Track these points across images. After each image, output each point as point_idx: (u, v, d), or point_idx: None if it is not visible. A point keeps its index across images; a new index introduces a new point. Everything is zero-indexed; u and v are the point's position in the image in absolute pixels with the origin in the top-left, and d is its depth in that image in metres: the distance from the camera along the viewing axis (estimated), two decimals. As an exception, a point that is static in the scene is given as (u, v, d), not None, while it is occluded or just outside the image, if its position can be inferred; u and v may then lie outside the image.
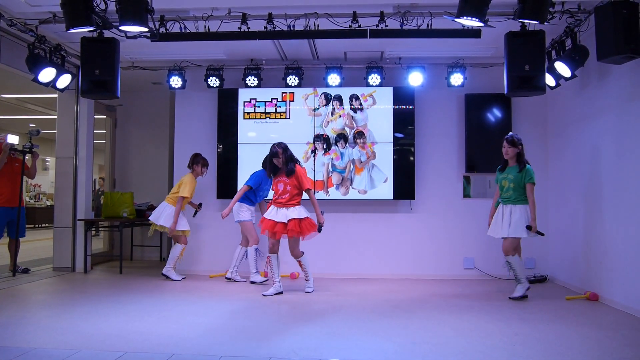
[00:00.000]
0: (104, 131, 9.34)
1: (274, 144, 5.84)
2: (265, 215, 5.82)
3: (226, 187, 7.16)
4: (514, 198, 5.65)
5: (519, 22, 4.88)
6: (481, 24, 4.52)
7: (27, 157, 7.33)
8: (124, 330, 4.24)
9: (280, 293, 5.81)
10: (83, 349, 3.71)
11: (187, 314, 4.89)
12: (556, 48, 5.81)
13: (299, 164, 5.91)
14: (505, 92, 5.25)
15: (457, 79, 6.80)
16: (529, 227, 5.55)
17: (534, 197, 5.60)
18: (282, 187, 5.76)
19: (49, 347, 3.75)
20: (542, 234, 5.63)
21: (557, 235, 6.75)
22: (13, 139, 7.12)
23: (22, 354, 3.57)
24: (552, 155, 6.97)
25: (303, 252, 5.96)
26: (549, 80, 5.84)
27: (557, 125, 6.79)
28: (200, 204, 6.99)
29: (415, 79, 6.84)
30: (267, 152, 5.92)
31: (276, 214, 5.72)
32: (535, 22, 4.56)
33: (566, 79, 5.69)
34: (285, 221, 5.66)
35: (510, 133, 5.94)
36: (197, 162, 6.83)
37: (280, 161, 5.78)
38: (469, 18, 4.45)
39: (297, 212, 5.72)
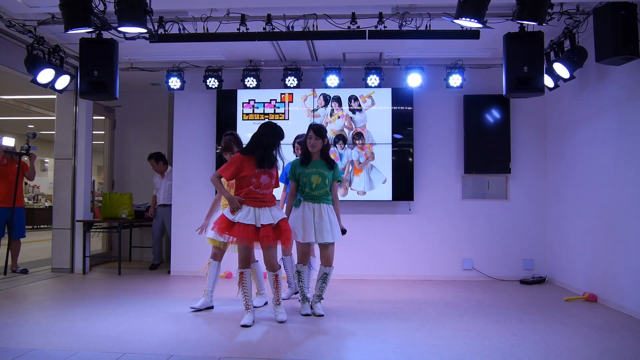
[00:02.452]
0: (103, 132, 9.34)
1: (271, 123, 4.76)
2: (237, 219, 4.52)
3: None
4: (326, 196, 4.98)
5: (518, 23, 4.89)
6: (480, 25, 4.53)
7: (25, 159, 7.33)
8: (122, 332, 4.24)
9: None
10: (81, 350, 3.71)
11: (186, 315, 4.89)
12: (555, 49, 5.82)
13: None
14: (504, 93, 5.26)
15: (455, 80, 6.81)
16: (344, 231, 5.03)
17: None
18: (266, 179, 4.63)
19: (48, 349, 3.76)
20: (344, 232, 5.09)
21: (556, 236, 6.76)
22: (8, 141, 7.12)
23: (20, 355, 3.58)
24: (550, 156, 6.98)
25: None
26: (548, 81, 5.85)
27: (556, 126, 6.80)
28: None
29: (414, 80, 6.85)
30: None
31: (255, 215, 4.54)
32: (534, 23, 4.56)
33: (565, 80, 5.70)
34: (275, 223, 4.57)
35: (317, 123, 5.29)
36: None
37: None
38: (468, 19, 4.45)
39: (281, 212, 4.75)
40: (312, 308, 4.93)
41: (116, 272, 7.49)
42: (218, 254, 5.14)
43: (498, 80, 5.79)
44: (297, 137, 5.76)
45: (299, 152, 5.49)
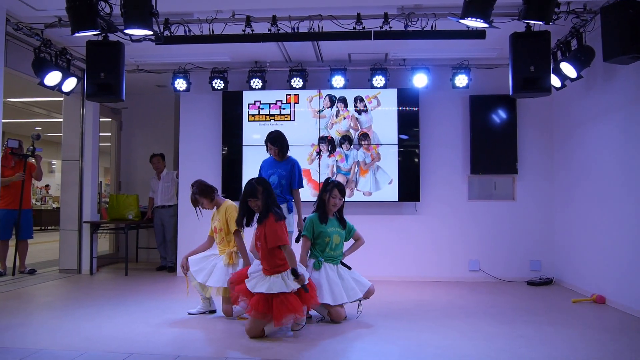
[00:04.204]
0: (109, 134, 9.38)
1: (252, 180, 4.40)
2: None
3: (231, 189, 7.16)
4: (340, 256, 4.92)
5: (524, 22, 4.87)
6: (486, 25, 4.51)
7: (32, 160, 7.37)
8: (129, 332, 4.26)
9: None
10: (88, 351, 3.73)
11: (192, 316, 4.90)
12: (562, 49, 5.80)
13: (273, 210, 4.28)
14: (510, 93, 5.24)
15: (461, 80, 6.79)
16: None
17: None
18: (255, 239, 4.44)
19: (55, 349, 3.78)
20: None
21: (564, 237, 6.73)
22: (12, 143, 7.16)
23: (28, 356, 3.60)
24: (557, 157, 6.94)
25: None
26: (555, 81, 5.82)
27: (563, 126, 6.77)
28: None
29: (419, 80, 6.84)
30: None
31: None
32: (541, 22, 4.54)
33: (572, 80, 5.67)
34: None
35: (340, 182, 4.99)
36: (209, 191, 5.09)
37: (259, 203, 4.29)
38: (474, 19, 4.44)
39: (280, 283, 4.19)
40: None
41: (123, 272, 7.52)
42: (229, 310, 4.82)
43: (504, 80, 5.77)
44: (269, 134, 5.31)
45: (272, 151, 5.25)
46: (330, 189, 4.82)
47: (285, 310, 4.04)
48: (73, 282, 6.85)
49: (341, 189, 4.84)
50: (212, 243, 5.06)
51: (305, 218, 5.00)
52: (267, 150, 5.31)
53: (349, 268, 4.91)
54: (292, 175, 5.26)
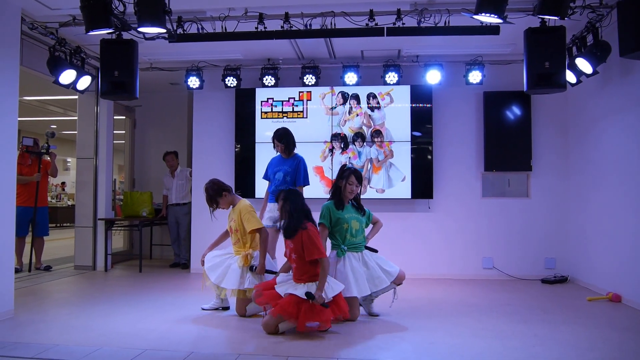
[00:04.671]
0: (123, 132, 9.46)
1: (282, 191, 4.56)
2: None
3: (244, 186, 7.19)
4: (364, 242, 4.87)
5: (539, 18, 4.82)
6: (500, 21, 4.48)
7: (47, 158, 7.46)
8: (143, 328, 4.30)
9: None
10: (103, 346, 3.77)
11: (206, 312, 4.93)
12: (577, 44, 5.73)
13: (308, 219, 4.36)
14: (524, 89, 5.18)
15: (475, 76, 6.75)
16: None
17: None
18: (288, 251, 4.41)
19: (70, 344, 3.83)
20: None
21: (579, 234, 6.67)
22: (27, 141, 7.23)
23: (44, 351, 3.65)
24: (572, 153, 6.88)
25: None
26: (570, 77, 5.76)
27: (578, 122, 6.71)
28: None
29: (433, 77, 6.82)
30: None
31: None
32: (556, 17, 4.50)
33: (587, 76, 5.61)
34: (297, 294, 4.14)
35: (357, 169, 4.96)
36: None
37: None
38: (488, 14, 4.41)
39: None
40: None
41: (137, 269, 7.58)
42: (243, 310, 4.81)
43: (519, 76, 5.72)
44: (276, 131, 5.40)
45: (279, 148, 5.32)
46: (347, 175, 4.77)
47: (311, 317, 4.06)
48: (88, 278, 6.93)
49: (358, 175, 4.80)
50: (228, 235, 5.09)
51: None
52: (274, 147, 5.38)
53: (376, 251, 4.85)
54: (297, 172, 5.31)
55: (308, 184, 5.40)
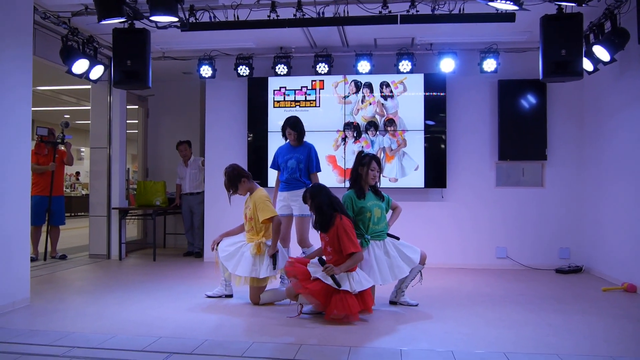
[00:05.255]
0: (136, 121, 9.51)
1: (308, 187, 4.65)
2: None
3: (257, 175, 7.19)
4: (386, 229, 4.84)
5: (555, 4, 4.77)
6: (516, 8, 4.44)
7: (62, 147, 7.53)
8: (157, 317, 4.35)
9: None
10: (118, 334, 3.82)
11: (220, 300, 4.98)
12: (594, 31, 5.66)
13: (338, 208, 4.43)
14: (540, 77, 5.14)
15: (490, 64, 6.69)
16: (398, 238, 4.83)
17: None
18: (323, 243, 4.50)
19: (86, 332, 3.89)
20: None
21: (594, 224, 6.62)
22: (42, 131, 7.30)
23: (60, 338, 3.71)
24: (588, 142, 6.81)
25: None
26: (587, 65, 5.69)
27: (595, 111, 6.63)
28: None
29: (446, 65, 6.76)
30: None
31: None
32: (573, 4, 4.45)
33: (605, 64, 5.54)
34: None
35: (375, 154, 4.92)
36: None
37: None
38: (503, 1, 4.37)
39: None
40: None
41: (151, 258, 7.66)
42: (257, 298, 4.85)
43: (534, 64, 5.66)
44: (287, 120, 5.40)
45: (291, 137, 5.34)
46: (368, 161, 4.72)
47: (340, 308, 4.12)
48: (102, 267, 7.01)
49: (378, 160, 4.78)
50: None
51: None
52: (285, 135, 5.41)
53: (398, 238, 4.84)
54: (310, 159, 5.36)
55: (320, 170, 5.46)
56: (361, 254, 4.31)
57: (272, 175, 7.10)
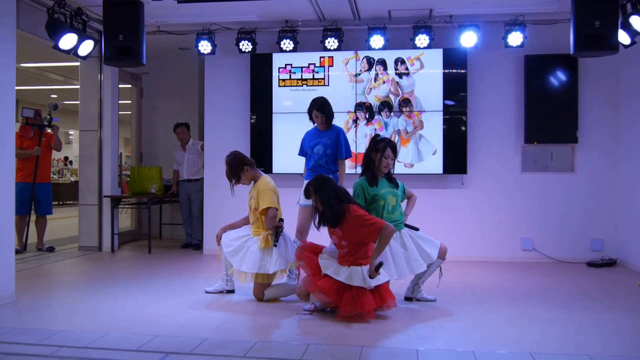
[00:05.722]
0: (129, 102, 9.53)
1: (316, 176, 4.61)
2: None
3: (260, 161, 7.17)
4: (402, 218, 4.83)
5: (588, -29, 4.71)
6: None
7: (49, 131, 7.56)
8: (153, 313, 4.39)
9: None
10: (111, 332, 3.86)
11: (221, 296, 5.01)
12: (632, 0, 5.58)
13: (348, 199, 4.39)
14: (571, 52, 5.09)
15: (515, 38, 6.62)
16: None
17: None
18: (335, 239, 4.47)
19: (76, 330, 3.93)
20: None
21: (630, 213, 6.59)
22: (27, 112, 7.31)
23: (48, 337, 3.75)
24: (624, 124, 6.76)
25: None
26: (623, 37, 5.61)
27: (631, 89, 6.57)
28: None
29: (468, 39, 6.71)
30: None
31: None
32: (607, -29, 4.38)
33: (643, 36, 5.48)
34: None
35: (391, 139, 4.87)
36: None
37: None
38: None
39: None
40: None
41: (146, 250, 7.71)
42: (260, 294, 4.87)
43: (565, 37, 5.61)
44: (313, 102, 5.38)
45: (319, 120, 5.31)
46: (382, 147, 4.67)
47: (354, 306, 4.14)
48: (94, 260, 7.07)
49: (393, 147, 4.72)
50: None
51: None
52: (312, 119, 5.36)
53: (417, 229, 4.82)
54: (338, 144, 5.30)
55: (351, 155, 5.41)
56: (388, 225, 4.19)
57: (278, 161, 7.16)
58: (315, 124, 5.42)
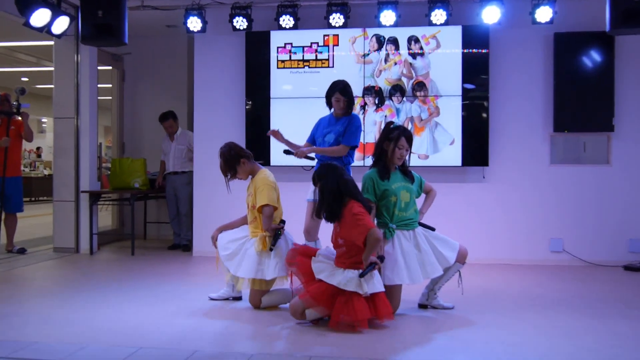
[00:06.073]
0: (110, 85, 9.53)
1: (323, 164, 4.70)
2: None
3: (256, 152, 7.15)
4: (416, 216, 4.80)
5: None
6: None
7: (18, 118, 7.53)
8: (137, 323, 4.39)
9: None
10: (91, 344, 3.86)
11: (211, 303, 5.01)
12: (675, -29, 5.56)
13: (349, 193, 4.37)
14: (607, 29, 5.08)
15: (544, 13, 6.60)
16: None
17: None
18: (333, 235, 4.50)
19: (52, 341, 3.92)
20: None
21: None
22: None
23: (20, 349, 3.75)
24: (666, 110, 6.75)
25: None
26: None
27: (675, 71, 6.56)
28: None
29: (490, 14, 6.69)
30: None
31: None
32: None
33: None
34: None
35: (406, 127, 4.99)
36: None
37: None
38: None
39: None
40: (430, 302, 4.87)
41: (129, 252, 7.72)
42: (257, 301, 4.87)
43: (600, 13, 5.59)
44: (335, 84, 5.27)
45: (340, 104, 5.18)
46: (396, 137, 4.63)
47: (345, 313, 4.12)
48: (70, 263, 7.08)
49: (408, 136, 4.68)
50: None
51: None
52: (330, 103, 5.26)
53: (433, 229, 4.79)
54: (348, 130, 5.20)
55: (356, 144, 5.30)
56: (375, 230, 4.17)
57: (276, 152, 7.13)
58: (331, 111, 5.35)
